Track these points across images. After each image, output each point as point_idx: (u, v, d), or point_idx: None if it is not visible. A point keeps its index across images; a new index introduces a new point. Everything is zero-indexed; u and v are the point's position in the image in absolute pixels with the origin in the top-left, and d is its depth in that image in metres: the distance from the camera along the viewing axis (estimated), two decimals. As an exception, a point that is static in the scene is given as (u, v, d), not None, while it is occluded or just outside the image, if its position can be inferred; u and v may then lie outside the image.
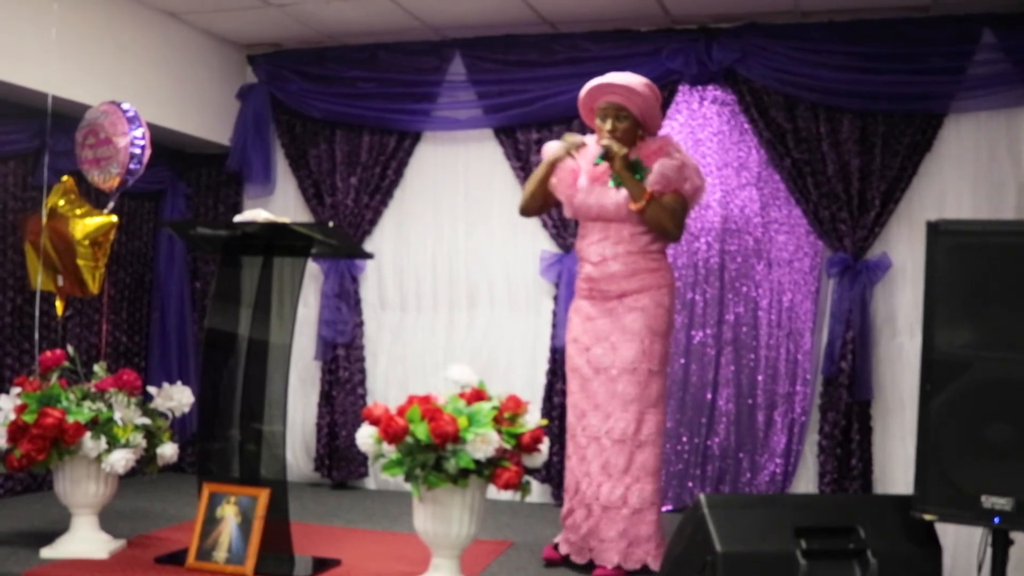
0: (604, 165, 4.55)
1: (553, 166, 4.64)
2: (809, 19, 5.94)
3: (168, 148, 6.73)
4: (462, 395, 4.04)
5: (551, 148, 4.71)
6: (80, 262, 5.15)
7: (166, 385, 4.84)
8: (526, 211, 4.86)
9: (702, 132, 6.22)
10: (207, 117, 6.74)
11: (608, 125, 4.51)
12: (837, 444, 5.71)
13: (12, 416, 4.44)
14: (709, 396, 6.10)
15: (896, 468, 5.69)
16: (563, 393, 5.85)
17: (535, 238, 6.37)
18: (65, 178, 5.30)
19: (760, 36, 5.94)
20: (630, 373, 4.42)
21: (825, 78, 5.80)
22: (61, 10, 5.39)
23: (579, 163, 4.65)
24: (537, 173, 4.71)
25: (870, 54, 5.75)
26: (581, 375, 4.57)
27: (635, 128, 4.55)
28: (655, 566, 4.40)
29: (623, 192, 4.44)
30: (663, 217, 4.40)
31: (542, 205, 4.83)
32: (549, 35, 6.38)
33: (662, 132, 6.11)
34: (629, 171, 4.44)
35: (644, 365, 4.43)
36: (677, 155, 4.49)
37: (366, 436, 4.02)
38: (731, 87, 6.07)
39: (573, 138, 4.60)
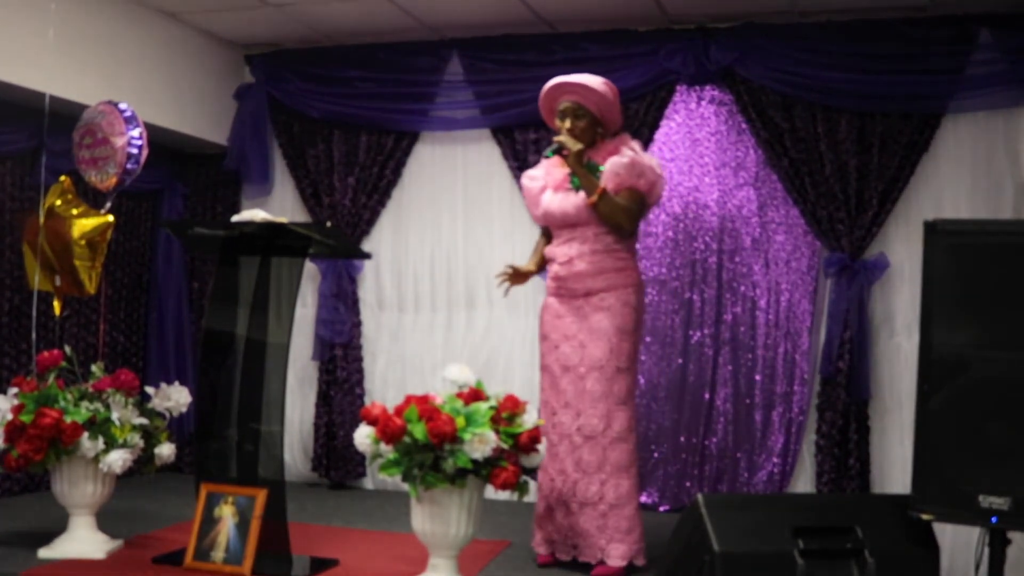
0: (564, 173, 4.63)
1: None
2: (807, 19, 5.94)
3: (166, 148, 6.73)
4: (460, 395, 4.05)
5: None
6: (77, 262, 5.14)
7: (164, 385, 4.84)
8: None
9: (700, 132, 6.22)
10: (205, 117, 6.73)
11: (567, 124, 4.59)
12: (835, 444, 5.71)
13: (9, 416, 4.44)
14: (707, 396, 6.10)
15: (894, 468, 5.69)
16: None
17: (533, 238, 6.32)
18: (62, 178, 5.29)
19: (758, 36, 5.94)
20: (598, 371, 4.48)
21: (823, 78, 5.80)
22: (58, 10, 5.39)
23: (544, 179, 4.72)
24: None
25: (868, 54, 5.75)
26: (551, 373, 4.65)
27: (593, 127, 4.62)
28: (640, 561, 4.44)
29: (582, 196, 4.52)
30: (616, 212, 4.48)
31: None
32: (547, 35, 6.38)
33: (660, 133, 6.18)
34: (581, 165, 4.53)
35: (612, 363, 4.49)
36: (629, 152, 4.55)
37: (364, 436, 4.02)
38: (729, 87, 6.07)
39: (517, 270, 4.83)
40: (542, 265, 4.89)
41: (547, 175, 4.74)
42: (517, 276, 4.82)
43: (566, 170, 4.64)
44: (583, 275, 4.55)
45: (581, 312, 4.57)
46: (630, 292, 4.58)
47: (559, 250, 4.64)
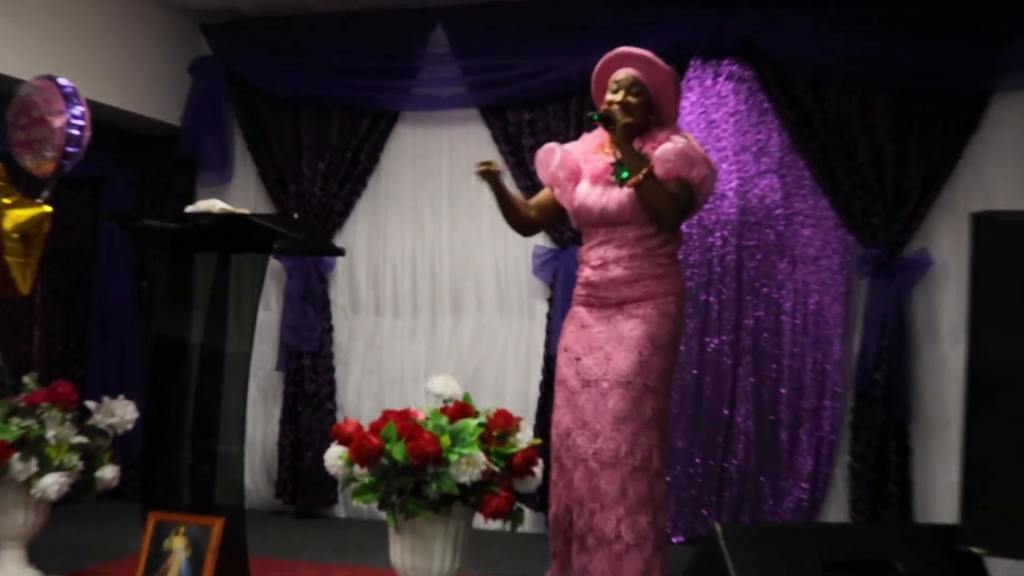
0: (605, 163, 4.53)
1: (496, 190, 4.65)
2: (839, -17, 5.94)
3: (110, 129, 6.67)
4: (444, 410, 4.03)
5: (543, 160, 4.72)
6: (9, 258, 5.09)
7: (107, 399, 4.83)
8: (524, 232, 4.91)
9: (716, 112, 6.22)
10: (155, 94, 6.72)
11: (620, 96, 4.49)
12: (871, 467, 5.72)
13: (-71, 434, 4.42)
14: (726, 412, 6.10)
15: (939, 494, 5.70)
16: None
17: (526, 232, 6.35)
18: (-8, 162, 5.27)
19: (782, 2, 5.93)
20: (623, 387, 4.38)
21: (856, 50, 5.80)
22: (-13, -29, 5.37)
23: (580, 164, 4.64)
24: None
25: (907, 23, 5.76)
26: (568, 388, 4.55)
27: (647, 109, 4.53)
28: None
29: (626, 191, 4.44)
30: (661, 198, 4.36)
31: (534, 220, 4.81)
32: (542, 2, 6.38)
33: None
34: (628, 142, 4.42)
35: (639, 379, 4.39)
36: (681, 140, 4.47)
37: (335, 457, 4.01)
38: (749, 61, 6.08)
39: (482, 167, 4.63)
40: (515, 206, 4.73)
41: (584, 160, 4.64)
42: (492, 175, 4.59)
43: (607, 159, 4.55)
44: (618, 282, 4.46)
45: (612, 321, 4.48)
46: (670, 301, 4.48)
47: (592, 253, 4.55)
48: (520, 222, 4.78)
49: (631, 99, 4.49)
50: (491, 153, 6.42)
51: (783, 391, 6.04)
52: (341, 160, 6.67)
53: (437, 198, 6.63)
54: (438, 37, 6.56)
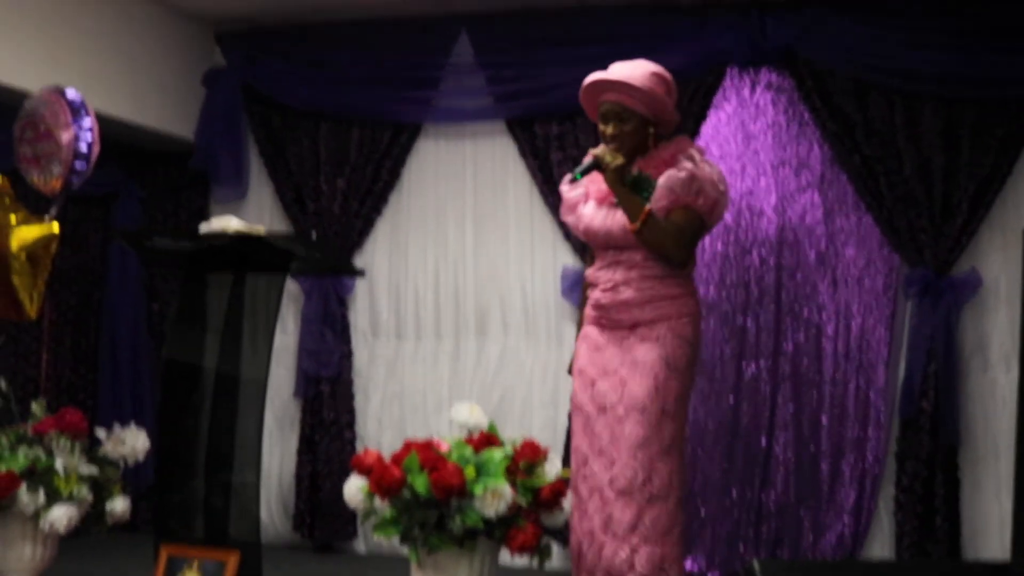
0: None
1: None
2: (883, -12, 5.95)
3: (121, 143, 6.74)
4: (469, 440, 4.05)
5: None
6: (15, 280, 5.15)
7: (117, 427, 4.85)
8: None
9: (754, 124, 6.22)
10: (167, 107, 6.75)
11: (610, 129, 4.53)
12: (918, 499, 5.69)
13: (-67, 464, 4.46)
14: (764, 442, 6.09)
15: (989, 528, 5.67)
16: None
17: (556, 252, 6.37)
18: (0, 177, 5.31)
19: (824, 8, 5.93)
20: (639, 412, 4.42)
21: (902, 58, 5.79)
22: (-5, -18, 5.43)
23: (586, 186, 4.69)
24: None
25: (956, 29, 5.75)
26: (584, 414, 4.61)
27: (644, 129, 4.55)
28: None
29: None
30: (663, 238, 4.43)
31: None
32: (573, 9, 6.38)
33: (707, 125, 6.17)
34: (623, 184, 4.47)
35: (656, 404, 4.43)
36: (688, 164, 4.48)
37: (355, 489, 4.03)
38: (789, 70, 6.07)
39: None
40: None
41: (591, 182, 4.69)
42: None
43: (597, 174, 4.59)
44: (629, 304, 4.52)
45: (625, 344, 4.53)
46: (685, 323, 4.53)
47: (602, 274, 4.61)
48: None
49: (623, 127, 4.52)
50: (517, 169, 6.47)
51: (824, 419, 6.02)
52: (361, 176, 6.70)
53: (461, 216, 6.64)
54: (462, 46, 6.58)
